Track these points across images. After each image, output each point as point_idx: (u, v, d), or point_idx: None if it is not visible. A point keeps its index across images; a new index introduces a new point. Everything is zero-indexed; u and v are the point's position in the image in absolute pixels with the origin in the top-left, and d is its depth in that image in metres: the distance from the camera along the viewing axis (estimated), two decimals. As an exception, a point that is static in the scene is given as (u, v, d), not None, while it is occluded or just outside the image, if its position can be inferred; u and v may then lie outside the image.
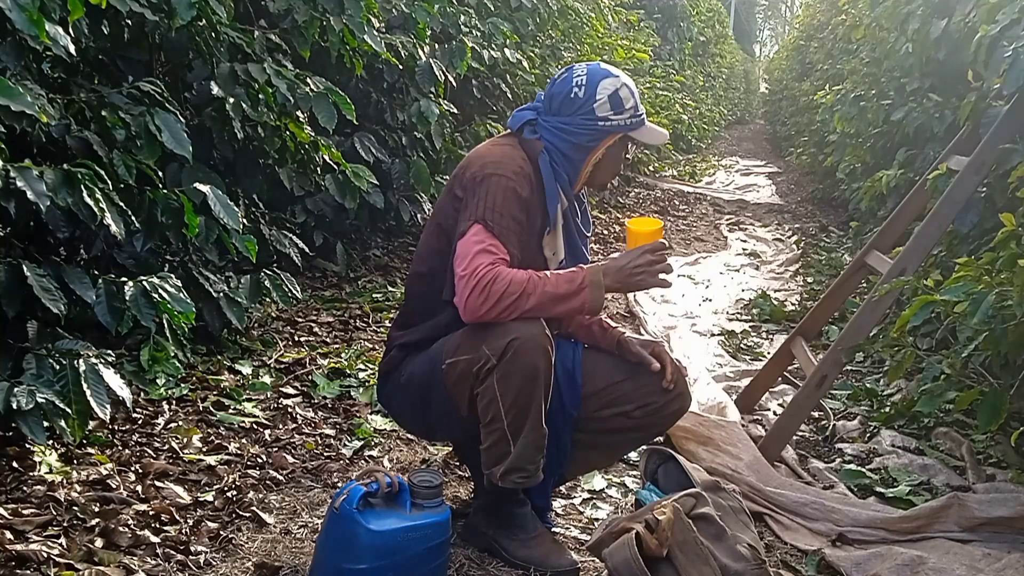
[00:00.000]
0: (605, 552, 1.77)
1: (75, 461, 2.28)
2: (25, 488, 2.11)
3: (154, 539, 1.97)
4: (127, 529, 1.98)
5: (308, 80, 3.29)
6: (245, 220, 3.11)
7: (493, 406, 1.86)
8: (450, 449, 2.55)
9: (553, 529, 2.18)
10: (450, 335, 1.95)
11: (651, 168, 9.67)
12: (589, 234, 2.15)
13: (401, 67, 4.17)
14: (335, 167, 3.72)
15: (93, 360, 2.14)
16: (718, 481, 2.06)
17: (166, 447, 2.45)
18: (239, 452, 2.47)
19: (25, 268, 2.14)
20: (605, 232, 6.34)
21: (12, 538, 1.87)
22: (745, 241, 6.80)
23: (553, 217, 2.00)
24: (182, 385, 2.83)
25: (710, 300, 4.86)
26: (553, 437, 2.02)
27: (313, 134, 3.57)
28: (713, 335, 4.13)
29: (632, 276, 1.89)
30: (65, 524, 1.98)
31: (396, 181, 4.39)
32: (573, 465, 2.17)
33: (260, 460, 2.44)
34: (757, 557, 1.82)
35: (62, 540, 1.91)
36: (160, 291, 2.31)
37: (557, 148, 1.99)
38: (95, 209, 2.14)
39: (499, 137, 2.09)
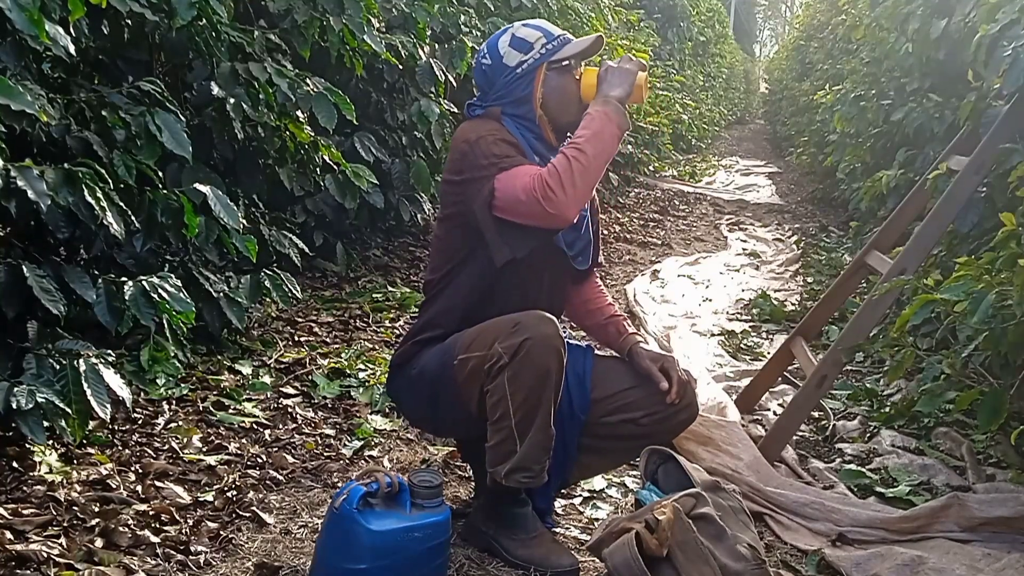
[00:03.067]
0: (605, 552, 1.77)
1: (75, 461, 2.28)
2: (25, 488, 2.11)
3: (154, 539, 1.97)
4: (127, 529, 1.98)
5: (308, 80, 3.29)
6: (245, 220, 3.11)
7: (502, 404, 1.86)
8: (450, 449, 2.55)
9: (554, 530, 2.18)
10: (463, 331, 1.96)
11: (651, 168, 9.67)
12: None
13: (401, 67, 4.17)
14: (335, 167, 3.72)
15: (93, 360, 2.14)
16: (718, 481, 2.06)
17: (166, 447, 2.45)
18: (239, 452, 2.47)
19: (25, 268, 2.14)
20: (604, 232, 6.34)
21: (12, 538, 1.87)
22: (745, 241, 6.80)
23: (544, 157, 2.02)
24: (182, 385, 2.83)
25: (710, 300, 4.86)
26: (560, 440, 2.02)
27: (313, 134, 3.57)
28: (713, 335, 4.13)
29: (617, 76, 1.95)
30: (65, 524, 1.98)
31: (396, 181, 4.39)
32: (577, 469, 2.16)
33: (260, 460, 2.44)
34: (757, 557, 1.82)
35: (62, 540, 1.91)
36: (160, 291, 2.31)
37: (507, 113, 2.03)
38: (96, 209, 2.15)
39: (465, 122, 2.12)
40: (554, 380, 1.85)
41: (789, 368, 3.39)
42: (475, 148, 1.93)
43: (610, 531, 1.81)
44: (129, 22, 2.79)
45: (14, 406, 1.93)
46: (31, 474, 2.17)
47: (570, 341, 2.16)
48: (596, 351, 2.17)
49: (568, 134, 2.07)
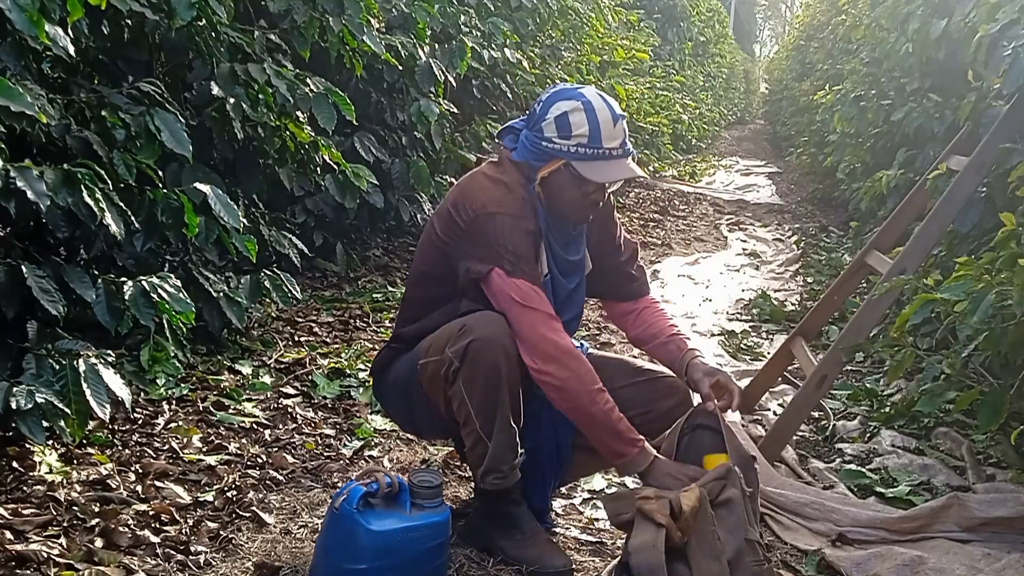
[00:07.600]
0: (631, 545, 1.71)
1: (75, 461, 2.28)
2: (25, 488, 2.11)
3: (154, 539, 1.97)
4: (127, 529, 1.98)
5: (308, 80, 3.29)
6: (245, 220, 3.11)
7: (464, 408, 1.87)
8: (450, 449, 2.55)
9: (553, 529, 2.18)
10: (429, 335, 1.96)
11: (651, 168, 9.67)
12: (577, 257, 2.03)
13: (401, 67, 4.17)
14: (335, 167, 3.72)
15: (93, 360, 2.13)
16: (754, 458, 1.99)
17: (166, 447, 2.45)
18: (239, 452, 2.47)
19: (25, 268, 2.14)
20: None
21: (12, 538, 1.87)
22: (745, 241, 6.80)
23: (543, 230, 1.95)
24: (182, 385, 2.83)
25: (710, 300, 4.86)
26: (554, 440, 2.02)
27: (313, 134, 3.57)
28: (713, 335, 4.13)
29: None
30: (65, 524, 1.98)
31: (396, 181, 4.39)
32: (574, 468, 2.17)
33: (260, 460, 2.44)
34: (763, 555, 1.81)
35: (62, 540, 1.91)
36: (160, 291, 2.31)
37: (525, 162, 1.92)
38: (95, 209, 2.14)
39: (490, 165, 2.00)
40: (506, 378, 1.84)
41: (789, 368, 3.39)
42: (492, 223, 1.84)
43: (639, 508, 1.73)
44: (129, 22, 2.79)
45: (14, 406, 1.93)
46: (31, 474, 2.17)
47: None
48: (591, 350, 2.16)
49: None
